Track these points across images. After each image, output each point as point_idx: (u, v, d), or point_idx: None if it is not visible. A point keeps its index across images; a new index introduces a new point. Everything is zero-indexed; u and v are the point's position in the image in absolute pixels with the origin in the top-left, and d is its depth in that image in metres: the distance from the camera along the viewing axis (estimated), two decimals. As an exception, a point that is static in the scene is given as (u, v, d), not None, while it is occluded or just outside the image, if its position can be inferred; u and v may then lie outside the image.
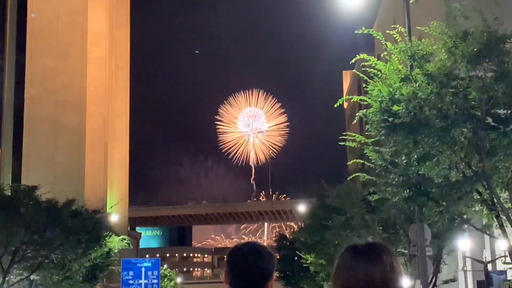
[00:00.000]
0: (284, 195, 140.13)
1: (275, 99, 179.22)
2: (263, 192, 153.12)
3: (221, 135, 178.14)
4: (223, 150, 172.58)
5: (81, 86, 49.67)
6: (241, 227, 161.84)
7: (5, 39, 50.88)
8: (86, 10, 50.82)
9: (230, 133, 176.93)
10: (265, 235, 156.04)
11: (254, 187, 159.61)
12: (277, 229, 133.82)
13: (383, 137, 14.75)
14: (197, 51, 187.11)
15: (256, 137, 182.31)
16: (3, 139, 49.69)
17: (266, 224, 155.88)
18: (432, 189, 14.71)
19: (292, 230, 55.42)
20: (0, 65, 50.48)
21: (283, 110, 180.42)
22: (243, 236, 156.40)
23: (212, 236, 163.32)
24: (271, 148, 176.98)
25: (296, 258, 39.93)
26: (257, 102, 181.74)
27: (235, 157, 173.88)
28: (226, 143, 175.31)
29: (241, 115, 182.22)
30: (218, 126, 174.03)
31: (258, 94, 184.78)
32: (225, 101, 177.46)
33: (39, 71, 48.83)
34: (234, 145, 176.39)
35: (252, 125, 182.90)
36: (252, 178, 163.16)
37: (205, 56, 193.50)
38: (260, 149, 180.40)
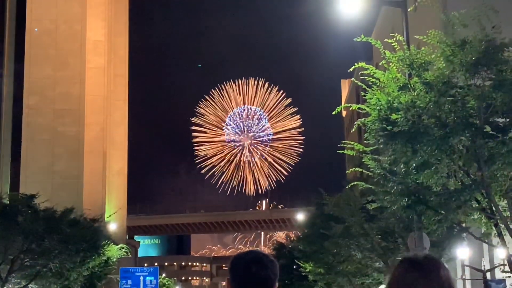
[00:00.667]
0: (281, 205, 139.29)
1: (282, 93, 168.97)
2: (263, 201, 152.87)
3: (199, 147, 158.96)
4: (202, 169, 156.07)
5: (79, 95, 49.68)
6: (238, 238, 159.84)
7: (4, 48, 50.92)
8: (85, 19, 50.88)
9: (212, 144, 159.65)
10: (261, 244, 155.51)
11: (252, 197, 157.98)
12: (273, 239, 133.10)
13: (381, 146, 14.77)
14: (200, 65, 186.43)
15: (254, 152, 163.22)
16: (2, 148, 49.65)
17: (262, 234, 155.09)
18: (431, 198, 14.71)
19: (289, 238, 55.28)
20: (-2, 74, 50.51)
21: (292, 105, 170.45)
22: (240, 246, 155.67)
23: (209, 246, 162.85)
24: (279, 170, 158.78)
25: (294, 266, 39.87)
26: (253, 98, 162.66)
27: (223, 178, 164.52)
28: (206, 158, 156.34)
29: (231, 116, 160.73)
30: (195, 134, 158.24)
31: (256, 84, 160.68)
32: (207, 96, 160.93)
33: (37, 80, 48.85)
34: (222, 161, 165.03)
35: (246, 131, 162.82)
36: (251, 194, 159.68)
37: (203, 64, 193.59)
38: (260, 170, 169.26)
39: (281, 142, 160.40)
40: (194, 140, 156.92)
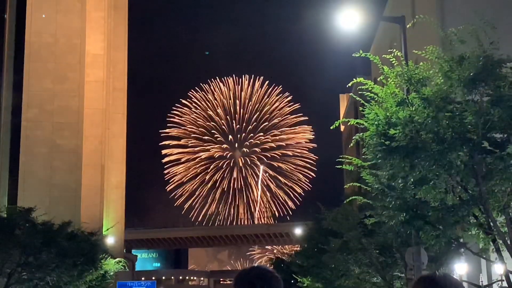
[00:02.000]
0: (276, 221, 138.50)
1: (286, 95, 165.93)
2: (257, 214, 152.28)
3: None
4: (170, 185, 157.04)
5: (78, 108, 49.74)
6: (232, 256, 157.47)
7: (3, 61, 51.02)
8: (84, 33, 51.04)
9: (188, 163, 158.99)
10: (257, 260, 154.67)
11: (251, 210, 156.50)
12: (267, 254, 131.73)
13: (379, 161, 14.78)
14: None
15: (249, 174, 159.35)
16: (0, 161, 49.62)
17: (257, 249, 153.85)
18: (429, 213, 14.72)
19: (283, 253, 55.36)
20: (-3, 87, 50.58)
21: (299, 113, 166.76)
22: (235, 263, 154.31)
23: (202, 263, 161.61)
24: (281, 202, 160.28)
25: (292, 281, 39.81)
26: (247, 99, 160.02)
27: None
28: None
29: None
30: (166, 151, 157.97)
31: (251, 82, 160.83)
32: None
33: (36, 93, 48.93)
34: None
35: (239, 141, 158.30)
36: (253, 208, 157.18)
37: (201, 74, 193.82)
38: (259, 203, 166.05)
39: (289, 163, 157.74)
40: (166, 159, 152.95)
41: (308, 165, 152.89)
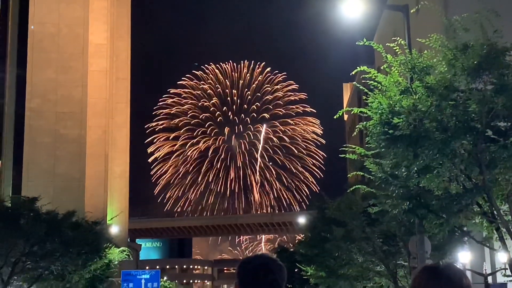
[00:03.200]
0: (282, 211, 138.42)
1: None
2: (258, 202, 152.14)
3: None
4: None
5: (81, 98, 49.72)
6: (236, 242, 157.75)
7: (6, 51, 50.99)
8: (87, 22, 50.95)
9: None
10: (262, 248, 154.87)
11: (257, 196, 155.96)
12: (270, 245, 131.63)
13: (383, 149, 14.77)
14: (196, 63, 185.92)
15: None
16: (4, 151, 49.70)
17: (263, 238, 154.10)
18: (432, 202, 14.72)
19: (286, 242, 55.58)
20: (0, 77, 50.60)
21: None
22: (238, 252, 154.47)
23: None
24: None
25: (296, 270, 39.89)
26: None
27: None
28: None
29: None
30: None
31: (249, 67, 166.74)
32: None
33: (40, 83, 48.91)
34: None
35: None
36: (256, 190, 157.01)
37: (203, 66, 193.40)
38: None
39: (294, 161, 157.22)
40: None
41: (316, 164, 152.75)
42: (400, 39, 16.00)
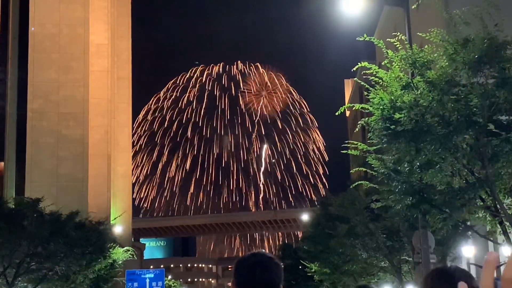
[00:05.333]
0: (284, 207, 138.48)
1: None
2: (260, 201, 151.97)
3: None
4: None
5: (83, 98, 49.74)
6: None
7: (8, 52, 51.01)
8: (88, 22, 50.96)
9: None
10: (265, 246, 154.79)
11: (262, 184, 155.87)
12: (271, 242, 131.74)
13: (385, 145, 14.77)
14: (196, 62, 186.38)
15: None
16: (6, 152, 49.73)
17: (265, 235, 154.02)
18: (435, 196, 14.72)
19: (285, 239, 55.72)
20: (2, 79, 50.64)
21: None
22: (243, 250, 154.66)
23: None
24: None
25: (300, 267, 39.88)
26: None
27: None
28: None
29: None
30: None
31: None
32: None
33: (41, 84, 48.94)
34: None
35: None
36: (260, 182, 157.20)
37: (205, 65, 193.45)
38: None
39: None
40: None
41: (319, 173, 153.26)
42: (401, 34, 15.98)
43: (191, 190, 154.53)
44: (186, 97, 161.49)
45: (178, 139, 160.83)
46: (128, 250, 39.86)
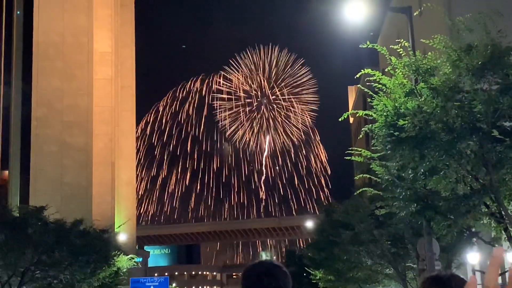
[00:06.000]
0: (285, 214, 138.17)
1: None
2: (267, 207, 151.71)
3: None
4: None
5: (87, 106, 49.83)
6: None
7: (12, 61, 51.15)
8: (92, 31, 51.09)
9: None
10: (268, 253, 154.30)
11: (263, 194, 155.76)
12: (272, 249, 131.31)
13: (389, 152, 14.75)
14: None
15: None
16: (11, 161, 49.81)
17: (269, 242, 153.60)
18: (440, 203, 14.69)
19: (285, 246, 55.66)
20: (6, 87, 50.75)
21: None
22: (247, 257, 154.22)
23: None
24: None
25: (304, 274, 39.83)
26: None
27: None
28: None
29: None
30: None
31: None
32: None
33: (45, 92, 49.05)
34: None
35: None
36: (261, 192, 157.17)
37: (206, 72, 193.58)
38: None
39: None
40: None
41: (323, 171, 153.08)
42: (404, 41, 15.99)
43: (192, 205, 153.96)
44: (185, 110, 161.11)
45: (178, 153, 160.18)
46: (133, 258, 39.87)
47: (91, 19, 51.22)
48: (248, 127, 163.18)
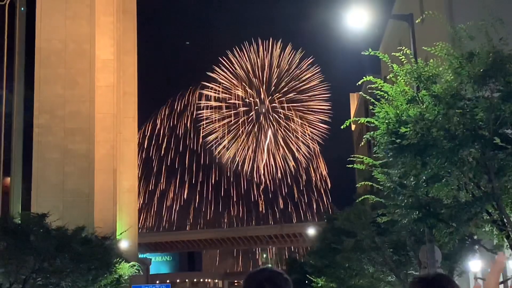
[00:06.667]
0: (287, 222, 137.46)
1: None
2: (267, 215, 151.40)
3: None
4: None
5: (89, 113, 49.89)
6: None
7: (14, 68, 51.25)
8: (94, 38, 51.19)
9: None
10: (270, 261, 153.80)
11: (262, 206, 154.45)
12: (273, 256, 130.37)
13: (391, 159, 14.75)
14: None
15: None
16: (13, 167, 49.86)
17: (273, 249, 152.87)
18: (442, 210, 14.68)
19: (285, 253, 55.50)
20: (9, 94, 50.84)
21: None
22: (249, 265, 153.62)
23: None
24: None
25: (306, 281, 39.77)
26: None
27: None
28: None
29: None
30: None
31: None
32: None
33: (47, 99, 49.12)
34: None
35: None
36: (260, 202, 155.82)
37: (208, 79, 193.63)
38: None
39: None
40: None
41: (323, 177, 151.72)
42: (406, 48, 16.01)
43: (191, 219, 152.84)
44: (183, 122, 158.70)
45: (176, 166, 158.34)
46: (134, 265, 39.84)
47: (93, 26, 51.33)
48: (241, 145, 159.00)
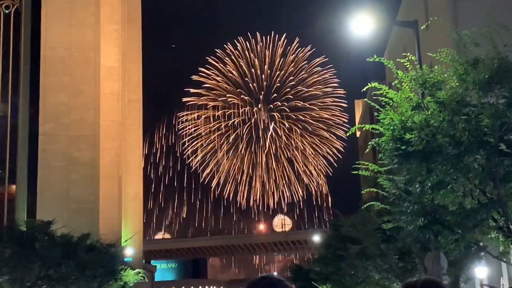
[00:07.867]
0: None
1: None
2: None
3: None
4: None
5: (94, 121, 49.98)
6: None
7: (19, 76, 51.40)
8: (99, 46, 51.32)
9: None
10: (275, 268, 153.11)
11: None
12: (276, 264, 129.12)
13: (396, 166, 14.72)
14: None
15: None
16: (18, 175, 49.94)
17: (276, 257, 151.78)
18: (447, 217, 14.63)
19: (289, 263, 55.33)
20: (14, 102, 50.98)
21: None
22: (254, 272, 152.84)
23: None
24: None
25: (312, 289, 39.69)
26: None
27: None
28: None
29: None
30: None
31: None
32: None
33: (52, 107, 49.23)
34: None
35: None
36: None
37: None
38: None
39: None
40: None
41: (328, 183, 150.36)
42: (411, 55, 16.00)
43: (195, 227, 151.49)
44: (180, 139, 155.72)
45: (174, 184, 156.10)
46: (139, 272, 39.83)
47: (98, 34, 51.47)
48: (235, 169, 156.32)
